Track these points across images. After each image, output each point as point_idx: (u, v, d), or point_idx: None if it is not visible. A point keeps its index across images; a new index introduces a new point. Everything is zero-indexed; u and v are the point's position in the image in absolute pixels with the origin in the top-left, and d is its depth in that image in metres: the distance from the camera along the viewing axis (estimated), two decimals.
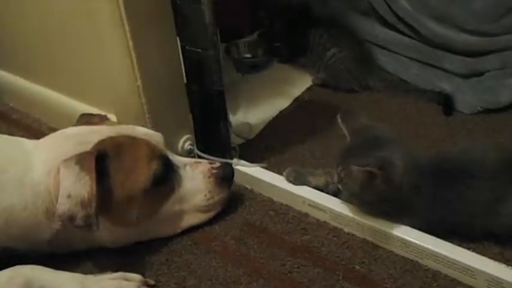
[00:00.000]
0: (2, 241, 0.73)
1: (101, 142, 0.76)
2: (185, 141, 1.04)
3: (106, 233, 0.76)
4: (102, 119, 0.88)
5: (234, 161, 0.98)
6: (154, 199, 0.78)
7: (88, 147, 0.75)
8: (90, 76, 1.03)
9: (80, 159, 0.71)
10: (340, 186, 0.83)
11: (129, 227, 0.78)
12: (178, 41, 0.89)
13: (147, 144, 0.78)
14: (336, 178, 0.83)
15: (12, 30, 1.17)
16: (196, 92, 0.94)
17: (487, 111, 1.17)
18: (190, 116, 0.99)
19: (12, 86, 1.27)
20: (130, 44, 0.87)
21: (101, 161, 0.73)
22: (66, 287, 0.70)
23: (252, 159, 0.99)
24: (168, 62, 0.93)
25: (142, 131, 0.81)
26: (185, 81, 0.94)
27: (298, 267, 0.78)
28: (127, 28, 0.86)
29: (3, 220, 0.72)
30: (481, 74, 1.26)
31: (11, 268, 0.69)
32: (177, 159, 0.83)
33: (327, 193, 0.89)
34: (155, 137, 0.81)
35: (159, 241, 0.83)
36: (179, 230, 0.84)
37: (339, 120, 0.86)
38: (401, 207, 0.80)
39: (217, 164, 0.86)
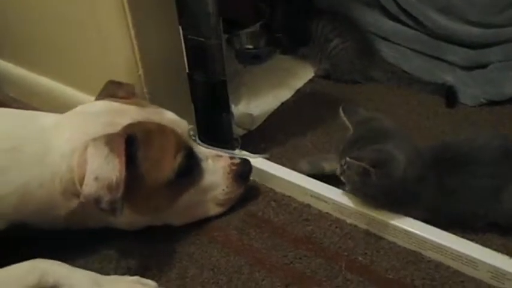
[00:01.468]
0: (18, 216, 0.72)
1: (130, 126, 0.73)
2: None
3: (123, 218, 0.74)
4: (128, 93, 0.83)
5: (236, 151, 0.98)
6: (175, 189, 0.77)
7: (117, 128, 0.72)
8: (92, 65, 1.02)
9: (110, 140, 0.68)
10: (342, 178, 0.82)
11: (147, 215, 0.78)
12: (181, 30, 0.88)
13: (175, 134, 0.76)
14: (338, 170, 0.83)
15: (13, 20, 1.16)
16: (199, 81, 0.93)
17: (491, 103, 1.16)
18: (192, 106, 0.98)
19: (12, 76, 1.26)
20: (132, 33, 0.86)
21: (129, 146, 0.70)
22: (80, 284, 0.69)
23: (254, 150, 0.99)
24: (170, 52, 0.92)
25: (170, 117, 0.79)
26: (187, 70, 0.93)
27: (300, 258, 0.78)
28: (128, 17, 0.85)
29: (19, 197, 0.70)
30: (484, 66, 1.25)
31: (30, 261, 0.69)
32: (200, 151, 0.83)
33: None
34: (182, 124, 0.80)
35: (161, 231, 0.83)
36: (194, 220, 0.84)
37: (341, 113, 0.85)
38: (407, 199, 0.79)
39: (237, 160, 0.86)
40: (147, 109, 0.78)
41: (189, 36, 0.88)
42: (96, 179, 0.66)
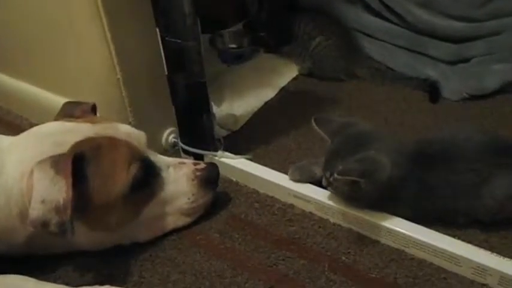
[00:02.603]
0: None
1: (79, 144, 0.71)
2: (169, 134, 1.03)
3: (84, 238, 0.73)
4: (84, 112, 0.82)
5: (219, 153, 0.97)
6: (134, 204, 0.74)
7: (65, 148, 0.70)
8: (70, 70, 1.01)
9: (55, 162, 0.67)
10: (329, 190, 0.83)
11: (108, 232, 0.75)
12: (158, 32, 0.87)
13: (127, 146, 0.74)
14: (324, 181, 0.83)
15: None
16: (178, 83, 0.92)
17: (473, 97, 1.17)
18: (173, 108, 0.97)
19: None
20: (108, 36, 0.85)
21: (78, 164, 0.68)
22: None
23: (237, 151, 0.98)
24: (148, 54, 0.91)
25: (124, 130, 0.77)
26: (166, 73, 0.92)
27: (283, 259, 0.78)
28: (104, 20, 0.84)
29: None
30: (467, 60, 1.25)
31: None
32: (160, 160, 0.79)
33: None
34: (138, 136, 0.77)
35: None
36: (161, 233, 0.81)
37: (314, 125, 0.85)
38: (393, 200, 0.79)
39: (202, 165, 0.83)
40: (99, 125, 0.76)
41: (167, 38, 0.87)
42: (43, 201, 0.65)
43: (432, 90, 1.19)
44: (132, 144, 0.74)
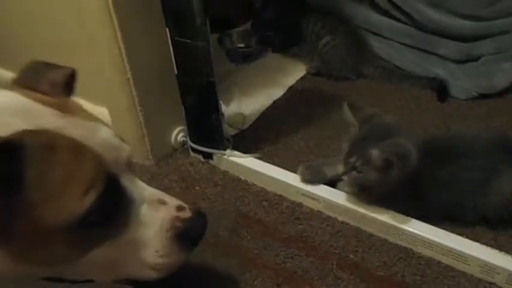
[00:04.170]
0: None
1: (26, 133, 0.48)
2: (178, 133, 1.04)
3: (6, 269, 0.51)
4: (54, 86, 0.57)
5: (227, 151, 0.98)
6: (80, 241, 0.52)
7: (4, 132, 0.47)
8: (80, 70, 1.01)
9: None
10: (346, 177, 0.81)
11: (40, 267, 0.54)
12: (168, 31, 0.88)
13: (97, 160, 0.51)
14: (341, 169, 0.81)
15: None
16: (187, 83, 0.93)
17: (482, 96, 1.17)
18: (182, 108, 0.98)
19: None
20: (119, 36, 0.86)
21: (12, 157, 0.47)
22: None
23: (245, 150, 0.99)
24: (157, 54, 0.92)
25: (102, 136, 0.54)
26: (176, 72, 0.93)
27: (291, 257, 0.78)
28: (115, 20, 0.85)
29: None
30: (475, 59, 1.25)
31: None
32: (137, 191, 0.57)
33: None
34: (118, 149, 0.55)
35: None
36: (119, 278, 0.60)
37: (346, 110, 0.84)
38: (403, 194, 0.80)
39: (187, 214, 0.59)
40: (70, 117, 0.53)
41: (176, 38, 0.88)
42: None
43: (440, 89, 1.18)
44: (105, 159, 0.52)
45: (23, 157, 0.47)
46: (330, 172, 0.88)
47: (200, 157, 1.01)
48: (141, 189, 0.58)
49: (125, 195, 0.55)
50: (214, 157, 0.99)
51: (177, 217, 0.58)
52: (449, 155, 0.80)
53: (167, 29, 0.88)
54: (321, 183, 0.88)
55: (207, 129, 0.97)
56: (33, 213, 0.48)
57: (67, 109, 0.54)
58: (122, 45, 0.87)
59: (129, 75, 0.90)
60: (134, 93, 0.93)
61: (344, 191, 0.86)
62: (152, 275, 0.60)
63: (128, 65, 0.89)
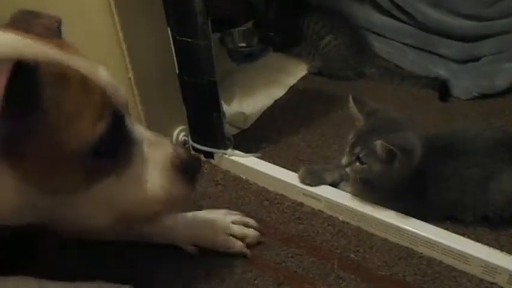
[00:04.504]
0: None
1: (41, 62, 0.50)
2: (180, 132, 1.04)
3: (9, 189, 0.53)
4: (48, 28, 0.59)
5: (229, 151, 0.98)
6: (86, 171, 0.55)
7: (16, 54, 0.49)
8: None
9: None
10: (349, 170, 0.81)
11: (43, 194, 0.55)
12: (169, 31, 0.88)
13: (104, 95, 0.55)
14: (345, 159, 0.81)
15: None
16: (189, 82, 0.93)
17: (483, 96, 1.17)
18: (183, 107, 0.98)
19: None
20: (121, 35, 0.86)
21: (29, 80, 0.49)
22: None
23: (246, 149, 0.99)
24: (159, 53, 0.92)
25: (104, 76, 0.57)
26: (177, 71, 0.93)
27: (292, 257, 0.78)
28: (116, 19, 0.85)
29: None
30: (477, 59, 1.25)
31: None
32: (137, 131, 0.60)
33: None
34: (118, 90, 0.58)
35: None
36: (117, 223, 0.61)
37: (351, 103, 0.83)
38: (404, 192, 0.80)
39: (183, 152, 0.63)
40: (72, 55, 0.55)
41: (178, 38, 0.88)
42: None
43: (442, 89, 1.19)
44: (108, 95, 0.55)
45: (38, 78, 0.49)
46: (330, 177, 0.89)
47: (201, 156, 1.01)
48: (142, 130, 0.61)
49: (129, 131, 0.58)
50: (216, 156, 0.99)
51: (175, 154, 0.62)
52: (450, 153, 0.81)
53: (169, 28, 0.88)
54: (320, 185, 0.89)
55: (208, 128, 0.97)
56: (47, 135, 0.50)
57: (66, 49, 0.56)
58: (123, 45, 0.87)
59: (130, 75, 0.90)
60: (135, 92, 0.93)
61: (346, 191, 0.86)
62: (156, 213, 0.63)
63: (130, 64, 0.88)
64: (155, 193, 0.60)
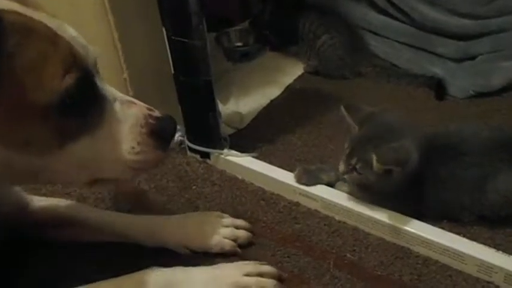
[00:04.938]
0: None
1: (2, 10, 0.51)
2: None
3: None
4: None
5: (225, 151, 0.98)
6: (57, 128, 0.55)
7: None
8: None
9: None
10: (347, 177, 0.82)
11: (14, 151, 0.54)
12: (164, 31, 0.88)
13: (71, 49, 0.55)
14: (342, 168, 0.81)
15: None
16: (184, 82, 0.93)
17: (480, 95, 1.17)
18: (179, 107, 0.98)
19: None
20: (115, 36, 0.86)
21: None
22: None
23: (243, 149, 0.99)
24: (154, 53, 0.92)
25: (71, 33, 0.57)
26: (173, 71, 0.93)
27: (288, 257, 0.78)
28: (111, 19, 0.85)
29: None
30: (473, 57, 1.25)
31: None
32: (107, 89, 0.60)
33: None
34: (86, 48, 0.58)
35: None
36: (95, 178, 0.61)
37: (344, 112, 0.84)
38: (403, 193, 0.80)
39: (157, 114, 0.63)
40: (36, 12, 0.56)
41: (173, 38, 0.88)
42: None
43: (438, 88, 1.19)
44: (76, 50, 0.55)
45: (2, 26, 0.50)
46: (326, 177, 0.89)
47: (197, 156, 1.01)
48: (112, 90, 0.61)
49: (98, 89, 0.58)
50: (212, 156, 0.99)
51: (149, 115, 0.61)
52: (448, 153, 0.80)
53: (164, 29, 0.88)
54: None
55: (204, 128, 0.97)
56: (14, 83, 0.51)
57: (30, 5, 0.56)
58: (118, 45, 0.87)
59: (125, 75, 0.91)
60: (131, 93, 0.93)
61: (342, 191, 0.86)
62: (128, 174, 0.62)
63: (125, 64, 0.89)
64: (127, 153, 0.60)
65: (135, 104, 0.62)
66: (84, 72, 0.56)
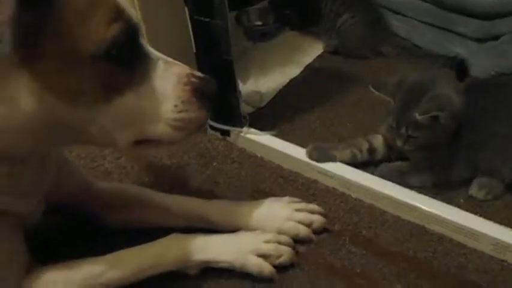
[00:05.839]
0: None
1: None
2: None
3: (29, 95, 0.52)
4: None
5: (244, 129, 1.00)
6: (104, 79, 0.55)
7: None
8: None
9: None
10: (406, 147, 0.84)
11: (64, 103, 0.54)
12: (187, 10, 0.89)
13: (116, 1, 0.55)
14: (399, 142, 0.84)
15: None
16: (205, 62, 0.95)
17: (501, 75, 1.15)
18: None
19: None
20: (139, 15, 0.87)
21: None
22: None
23: (262, 128, 1.01)
24: (177, 32, 0.93)
25: None
26: (194, 50, 0.95)
27: None
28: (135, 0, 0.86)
29: None
30: (496, 37, 1.23)
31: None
32: (151, 50, 0.61)
33: (354, 166, 0.89)
34: (130, 10, 0.58)
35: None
36: (135, 138, 0.61)
37: (374, 91, 0.87)
38: (451, 153, 0.83)
39: (199, 74, 0.64)
40: None
41: (195, 17, 0.89)
42: None
43: (460, 68, 1.17)
44: (122, 4, 0.56)
45: None
46: (339, 155, 0.90)
47: (218, 134, 1.03)
48: (156, 52, 0.62)
49: (142, 49, 0.59)
50: (232, 134, 1.01)
51: (192, 74, 0.62)
52: (487, 108, 0.82)
53: (186, 8, 0.90)
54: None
55: (225, 107, 0.99)
56: (61, 32, 0.51)
57: None
58: (142, 25, 0.88)
59: None
60: None
61: (376, 175, 0.87)
62: (172, 133, 0.62)
63: (148, 44, 0.90)
64: (170, 111, 0.60)
65: (177, 64, 0.63)
66: (129, 24, 0.56)
